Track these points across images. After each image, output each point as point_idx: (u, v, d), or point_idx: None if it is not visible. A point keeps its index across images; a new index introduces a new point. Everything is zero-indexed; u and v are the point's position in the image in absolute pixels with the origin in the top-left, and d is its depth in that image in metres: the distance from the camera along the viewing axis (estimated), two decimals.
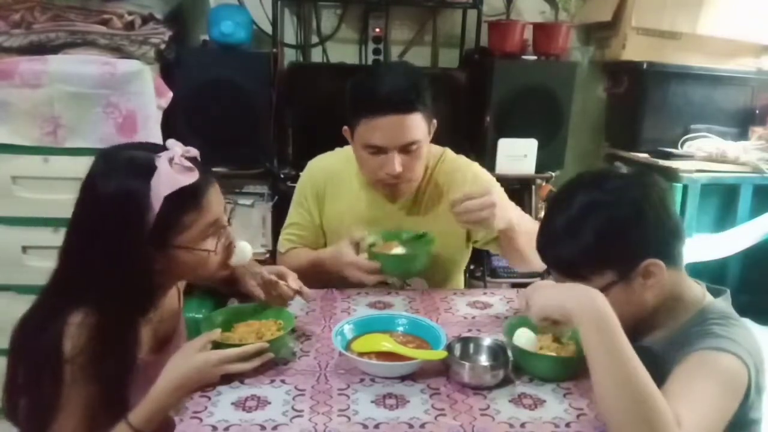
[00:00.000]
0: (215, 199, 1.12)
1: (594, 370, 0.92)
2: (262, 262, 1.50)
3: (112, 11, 2.15)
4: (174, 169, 1.04)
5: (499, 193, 1.62)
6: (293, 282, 1.29)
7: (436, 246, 1.51)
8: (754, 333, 1.05)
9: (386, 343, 1.17)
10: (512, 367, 1.13)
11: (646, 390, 0.86)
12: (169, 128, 2.19)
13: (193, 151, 1.11)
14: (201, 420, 0.98)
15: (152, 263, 1.06)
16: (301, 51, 2.79)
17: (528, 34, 2.60)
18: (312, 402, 1.03)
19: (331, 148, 1.72)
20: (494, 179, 1.68)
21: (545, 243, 1.12)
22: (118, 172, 1.04)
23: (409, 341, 1.21)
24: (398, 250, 1.46)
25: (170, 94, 2.22)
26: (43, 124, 2.08)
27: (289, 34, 2.77)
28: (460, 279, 1.78)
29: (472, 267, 2.62)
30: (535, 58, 2.58)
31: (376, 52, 2.71)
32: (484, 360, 1.16)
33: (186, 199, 1.05)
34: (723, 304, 1.10)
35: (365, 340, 1.19)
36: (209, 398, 1.04)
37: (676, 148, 2.63)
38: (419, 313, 1.39)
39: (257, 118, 2.37)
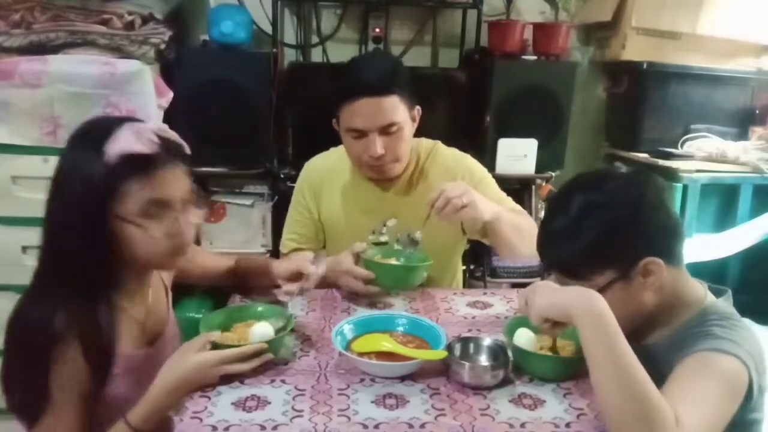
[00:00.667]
0: (171, 180, 1.06)
1: (593, 370, 0.93)
2: None
3: (112, 11, 2.15)
4: (135, 136, 1.02)
5: (490, 183, 1.67)
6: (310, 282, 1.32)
7: (431, 240, 1.52)
8: (755, 333, 1.05)
9: (386, 343, 1.17)
10: (512, 367, 1.13)
11: (644, 389, 0.87)
12: (169, 128, 2.18)
13: (171, 133, 1.10)
14: (201, 420, 0.98)
15: (100, 232, 1.03)
16: (301, 51, 2.79)
17: (528, 34, 2.60)
18: (312, 402, 1.03)
19: (332, 147, 1.74)
20: (486, 170, 1.71)
21: (545, 244, 1.13)
22: (87, 136, 1.06)
23: (409, 341, 1.21)
24: (396, 263, 1.46)
25: (171, 94, 2.22)
26: (42, 124, 2.08)
27: (289, 34, 2.77)
28: (458, 270, 1.79)
29: (472, 267, 2.62)
30: (535, 58, 2.58)
31: None
32: (484, 360, 1.16)
33: (136, 166, 1.02)
34: (724, 304, 1.10)
35: (365, 340, 1.19)
36: (209, 398, 1.04)
37: (676, 148, 2.63)
38: (419, 313, 1.39)
39: (257, 118, 2.37)
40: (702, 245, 2.40)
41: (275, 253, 2.14)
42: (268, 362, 1.12)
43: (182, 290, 2.34)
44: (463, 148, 1.75)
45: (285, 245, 1.72)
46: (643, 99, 2.66)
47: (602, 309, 0.94)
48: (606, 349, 0.91)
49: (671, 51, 2.63)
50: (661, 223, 1.05)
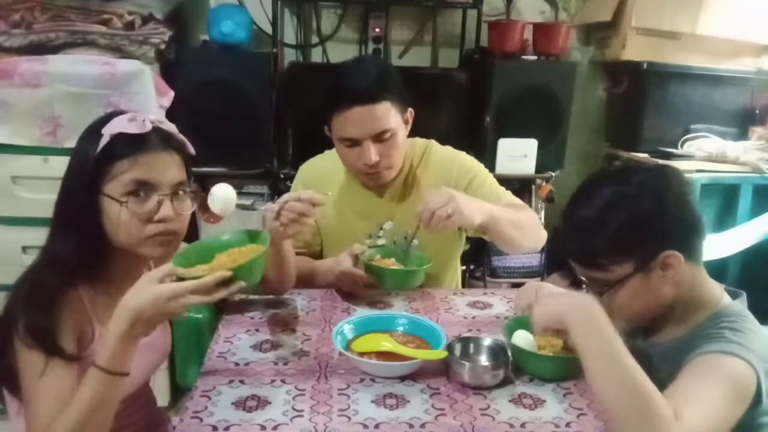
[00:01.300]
0: (160, 164, 1.08)
1: (588, 372, 0.93)
2: None
3: (112, 11, 2.15)
4: (127, 119, 1.06)
5: (486, 179, 1.65)
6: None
7: (428, 241, 1.52)
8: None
9: (386, 343, 1.17)
10: (512, 367, 1.13)
11: (640, 384, 0.87)
12: None
13: (169, 125, 1.13)
14: (201, 420, 0.98)
15: (87, 208, 1.06)
16: (301, 51, 2.79)
17: (528, 34, 2.60)
18: (312, 402, 1.03)
19: (331, 148, 1.73)
20: (481, 166, 1.69)
21: (568, 234, 1.12)
22: (91, 128, 1.10)
23: (409, 341, 1.21)
24: (395, 263, 1.46)
25: (171, 94, 2.23)
26: (43, 124, 2.08)
27: (289, 34, 2.77)
28: (457, 270, 1.79)
29: (472, 267, 2.62)
30: (535, 58, 2.58)
31: (376, 52, 2.71)
32: (484, 360, 1.16)
33: (125, 147, 1.06)
34: (739, 306, 1.09)
35: (365, 340, 1.19)
36: (209, 398, 1.04)
37: (676, 148, 2.63)
38: (419, 313, 1.39)
39: (257, 118, 2.37)
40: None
41: None
42: (268, 362, 1.12)
43: None
44: (463, 148, 1.75)
45: None
46: (643, 99, 2.66)
47: (594, 311, 0.95)
48: (598, 347, 0.92)
49: (671, 51, 2.63)
50: (683, 218, 1.05)
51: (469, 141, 2.49)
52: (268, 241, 1.12)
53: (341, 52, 2.79)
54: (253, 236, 1.18)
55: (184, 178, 1.14)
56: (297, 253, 1.67)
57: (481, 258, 2.59)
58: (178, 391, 2.18)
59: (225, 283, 0.99)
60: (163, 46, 2.19)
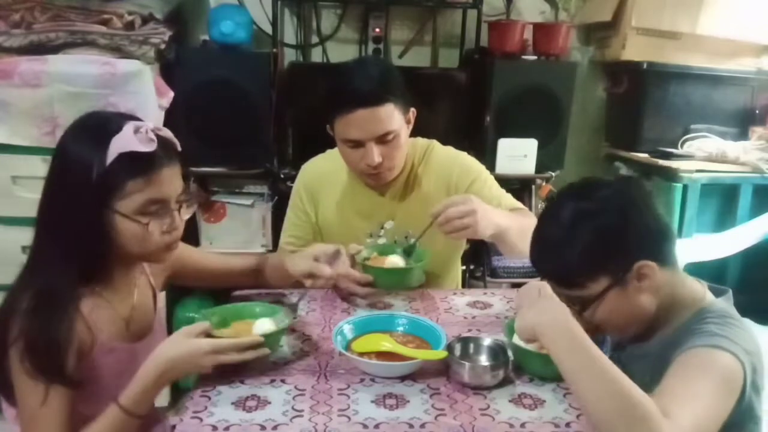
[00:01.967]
0: (169, 180, 1.10)
1: (569, 381, 0.94)
2: None
3: (112, 11, 2.15)
4: (136, 136, 1.05)
5: (487, 180, 1.65)
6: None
7: (430, 242, 1.52)
8: (754, 333, 1.05)
9: (386, 343, 1.17)
10: (512, 367, 1.13)
11: (620, 386, 0.87)
12: (168, 128, 2.18)
13: (167, 132, 1.12)
14: (201, 420, 0.98)
15: (94, 222, 1.05)
16: (301, 51, 2.79)
17: (528, 34, 2.60)
18: (312, 402, 1.03)
19: (331, 148, 1.73)
20: (483, 167, 1.70)
21: (538, 255, 1.14)
22: (87, 131, 1.08)
23: (409, 341, 1.21)
24: (392, 262, 1.45)
25: (171, 94, 2.22)
26: (42, 124, 2.08)
27: (289, 34, 2.77)
28: (457, 271, 1.79)
29: (472, 267, 2.62)
30: (535, 58, 2.58)
31: (376, 52, 2.71)
32: (484, 360, 1.16)
33: (136, 166, 1.05)
34: (724, 303, 1.10)
35: (365, 340, 1.19)
36: (209, 398, 1.04)
37: (676, 148, 2.63)
38: (419, 313, 1.39)
39: (257, 118, 2.37)
40: (702, 245, 2.40)
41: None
42: (266, 361, 1.12)
43: (182, 290, 2.36)
44: (464, 148, 1.75)
45: (282, 249, 1.72)
46: (643, 99, 2.66)
47: (563, 319, 0.96)
48: (573, 356, 0.92)
49: (671, 51, 2.63)
50: (650, 227, 1.06)
51: (469, 141, 2.49)
52: (290, 322, 1.20)
53: (341, 52, 2.79)
54: (277, 312, 1.24)
55: (183, 185, 1.15)
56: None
57: (481, 258, 2.59)
58: (178, 391, 2.18)
59: (252, 346, 1.08)
60: (163, 46, 2.18)
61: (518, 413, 1.02)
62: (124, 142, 1.03)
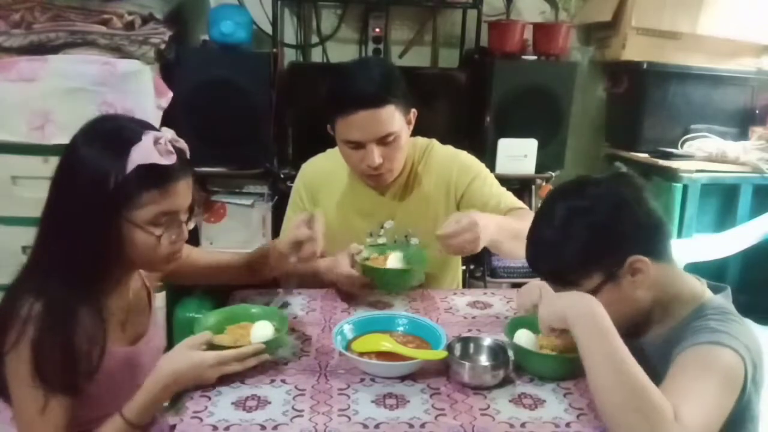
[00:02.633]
0: (183, 192, 1.10)
1: (589, 370, 0.94)
2: None
3: (112, 11, 2.15)
4: (156, 147, 1.04)
5: (486, 178, 1.65)
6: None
7: (429, 243, 1.52)
8: (752, 328, 1.05)
9: (386, 343, 1.17)
10: (512, 366, 1.13)
11: (641, 385, 0.88)
12: (169, 128, 2.18)
13: (183, 143, 1.12)
14: (201, 420, 0.98)
15: (104, 230, 1.05)
16: (301, 51, 2.79)
17: (528, 34, 2.60)
18: (312, 402, 1.03)
19: (331, 147, 1.73)
20: (482, 165, 1.70)
21: (533, 255, 1.15)
22: (104, 137, 1.07)
23: (409, 341, 1.21)
24: (393, 262, 1.45)
25: (170, 94, 2.22)
26: (32, 119, 2.06)
27: (289, 34, 2.77)
28: (457, 271, 1.79)
29: (472, 267, 2.62)
30: (535, 58, 2.58)
31: (376, 52, 2.71)
32: (484, 360, 1.16)
33: (153, 177, 1.05)
34: (722, 300, 1.11)
35: (365, 340, 1.19)
36: (209, 398, 1.04)
37: (676, 148, 2.63)
38: (419, 313, 1.39)
39: (257, 118, 2.37)
40: (702, 245, 2.40)
41: None
42: (267, 363, 1.12)
43: (182, 290, 2.36)
44: (464, 148, 1.75)
45: None
46: (643, 99, 2.66)
47: (595, 309, 0.97)
48: (600, 347, 0.94)
49: (671, 51, 2.63)
50: (642, 222, 1.07)
51: (469, 141, 2.49)
52: (287, 323, 1.21)
53: (341, 52, 2.79)
54: (272, 314, 1.25)
55: (192, 196, 1.16)
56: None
57: (481, 258, 2.59)
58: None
59: (253, 354, 1.09)
60: (163, 46, 2.18)
61: (518, 413, 1.02)
62: (145, 153, 1.03)
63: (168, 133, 1.09)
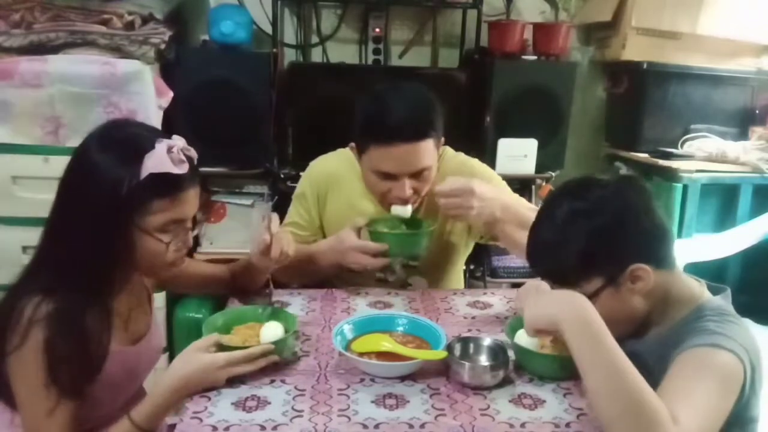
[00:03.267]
0: (191, 200, 1.13)
1: (584, 374, 0.93)
2: None
3: (112, 11, 2.15)
4: (169, 155, 1.06)
5: (499, 186, 1.63)
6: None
7: (437, 245, 1.51)
8: (753, 332, 1.05)
9: (386, 343, 1.17)
10: (512, 367, 1.13)
11: (636, 388, 0.87)
12: (168, 128, 2.18)
13: (193, 152, 1.14)
14: (201, 420, 0.98)
15: (114, 235, 1.06)
16: (301, 51, 2.79)
17: (528, 34, 2.59)
18: (312, 402, 1.03)
19: (332, 148, 1.72)
20: (495, 173, 1.68)
21: (534, 254, 1.14)
22: (117, 144, 1.08)
23: (409, 341, 1.21)
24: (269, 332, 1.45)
25: (170, 94, 2.22)
26: (44, 124, 2.08)
27: (289, 34, 2.77)
28: (460, 277, 1.78)
29: (472, 267, 2.62)
30: (535, 58, 2.58)
31: (376, 52, 2.71)
32: (484, 360, 1.16)
33: (165, 186, 1.07)
34: (721, 301, 1.10)
35: (365, 340, 1.19)
36: (209, 398, 1.04)
37: (676, 148, 2.63)
38: (419, 313, 1.39)
39: (257, 118, 2.37)
40: (702, 245, 2.40)
41: None
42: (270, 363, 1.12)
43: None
44: (464, 148, 1.75)
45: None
46: (643, 99, 2.65)
47: (586, 311, 0.95)
48: (592, 349, 0.92)
49: (671, 51, 2.63)
50: (647, 230, 1.05)
51: (469, 141, 2.49)
52: (296, 323, 1.21)
53: (341, 52, 2.79)
54: (279, 314, 1.25)
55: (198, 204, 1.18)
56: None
57: (481, 258, 2.59)
58: None
59: (262, 354, 1.10)
60: (163, 46, 2.18)
61: (518, 413, 1.02)
62: (159, 162, 1.04)
63: (180, 142, 1.11)
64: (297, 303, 1.44)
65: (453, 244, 1.65)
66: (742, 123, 2.74)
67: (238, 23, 2.32)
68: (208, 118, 2.30)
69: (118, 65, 2.08)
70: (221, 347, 1.10)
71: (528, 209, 1.50)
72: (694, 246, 2.38)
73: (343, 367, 1.14)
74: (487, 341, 1.18)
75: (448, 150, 1.68)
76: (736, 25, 2.58)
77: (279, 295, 1.48)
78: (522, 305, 1.26)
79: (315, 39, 2.80)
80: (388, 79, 2.22)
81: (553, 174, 2.59)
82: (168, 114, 2.22)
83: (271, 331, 1.15)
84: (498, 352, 1.14)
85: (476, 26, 2.62)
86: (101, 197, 1.04)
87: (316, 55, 2.81)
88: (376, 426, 0.97)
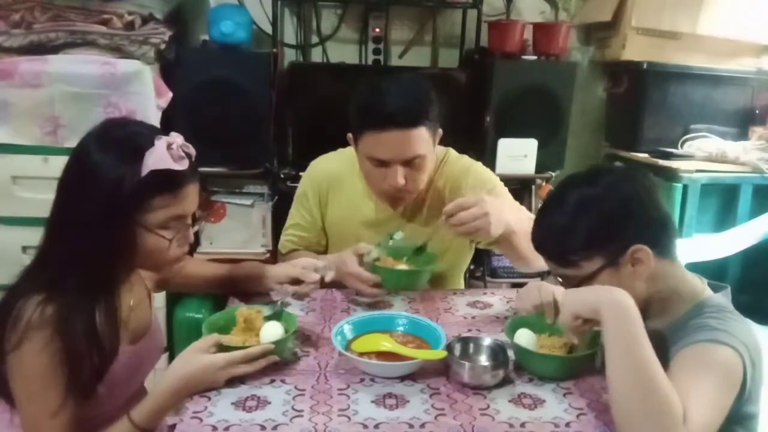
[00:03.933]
0: (192, 196, 1.13)
1: (610, 360, 0.95)
2: (263, 262, 1.51)
3: (112, 11, 2.15)
4: (169, 152, 1.06)
5: (501, 192, 1.62)
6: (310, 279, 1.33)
7: (439, 251, 1.51)
8: (750, 326, 1.06)
9: (386, 343, 1.17)
10: (512, 366, 1.13)
11: (657, 380, 0.89)
12: (168, 128, 2.15)
13: (192, 148, 1.14)
14: (201, 420, 0.98)
15: (115, 233, 1.06)
16: (301, 51, 2.79)
17: (528, 34, 2.60)
18: (312, 402, 1.03)
19: (332, 148, 1.72)
20: (497, 178, 1.68)
21: (540, 235, 1.16)
22: (116, 143, 1.07)
23: (409, 341, 1.21)
24: (402, 267, 1.45)
25: (170, 95, 2.22)
26: (44, 124, 2.08)
27: (289, 34, 2.77)
28: (460, 281, 1.78)
29: (472, 267, 2.62)
30: (535, 58, 2.58)
31: (376, 52, 2.71)
32: (484, 360, 1.16)
33: (166, 183, 1.07)
34: (722, 299, 1.11)
35: (365, 340, 1.19)
36: (209, 398, 1.04)
37: (676, 148, 2.63)
38: (419, 313, 1.39)
39: (257, 118, 2.37)
40: (702, 245, 2.40)
41: (275, 253, 2.14)
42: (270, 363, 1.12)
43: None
44: (464, 148, 1.74)
45: (284, 245, 1.70)
46: (643, 99, 2.65)
47: (627, 303, 0.98)
48: (623, 334, 0.95)
49: (671, 51, 2.63)
50: (650, 214, 1.09)
51: (469, 141, 2.49)
52: (296, 323, 1.21)
53: (341, 52, 2.79)
54: (280, 314, 1.25)
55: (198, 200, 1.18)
56: (297, 250, 1.67)
57: (481, 258, 2.59)
58: None
59: (262, 354, 1.10)
60: (163, 46, 2.18)
61: (518, 413, 1.02)
62: (159, 159, 1.04)
63: (178, 138, 1.10)
64: (297, 303, 1.44)
65: (456, 254, 1.65)
66: (742, 123, 2.74)
67: (238, 23, 2.32)
68: (208, 118, 2.30)
69: (118, 65, 2.08)
70: (221, 347, 1.10)
71: (529, 219, 1.50)
72: (694, 246, 2.38)
73: (343, 367, 1.14)
74: (487, 341, 1.18)
75: (452, 152, 1.67)
76: (736, 25, 2.58)
77: (279, 295, 1.48)
78: (526, 306, 1.26)
79: (315, 39, 2.80)
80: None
81: (553, 174, 2.59)
82: (168, 114, 2.23)
83: (271, 331, 1.15)
84: (498, 352, 1.14)
85: (476, 26, 2.62)
86: (102, 196, 1.04)
87: (316, 55, 2.81)
88: (376, 426, 0.97)
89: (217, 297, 1.49)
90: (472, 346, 1.18)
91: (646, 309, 1.11)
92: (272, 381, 1.09)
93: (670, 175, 2.44)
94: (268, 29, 2.64)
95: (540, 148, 2.53)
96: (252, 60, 2.40)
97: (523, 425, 0.99)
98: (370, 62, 2.71)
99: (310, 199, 1.66)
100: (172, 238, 1.10)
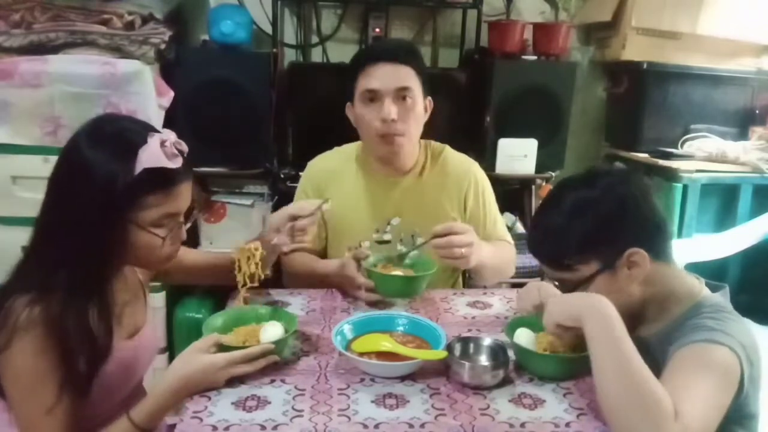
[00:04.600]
0: (185, 194, 1.12)
1: (594, 361, 0.95)
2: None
3: (112, 11, 2.15)
4: (162, 150, 1.05)
5: (489, 198, 1.71)
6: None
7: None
8: (752, 330, 1.06)
9: (386, 343, 1.17)
10: (512, 366, 1.13)
11: (642, 378, 0.89)
12: (169, 128, 2.17)
13: (184, 145, 1.12)
14: (201, 420, 0.98)
15: (108, 231, 1.05)
16: (301, 51, 2.79)
17: (528, 34, 2.60)
18: (312, 402, 1.03)
19: (331, 148, 1.74)
20: (489, 183, 1.74)
21: (536, 239, 1.16)
22: (108, 140, 1.06)
23: (409, 341, 1.21)
24: (398, 272, 1.45)
25: (171, 94, 2.22)
26: (44, 124, 2.08)
27: (289, 34, 2.77)
28: (458, 279, 1.78)
29: None
30: (535, 58, 2.58)
31: None
32: (484, 360, 1.16)
33: (159, 181, 1.06)
34: (720, 298, 1.12)
35: (365, 340, 1.19)
36: (209, 398, 1.04)
37: (676, 148, 2.63)
38: (419, 313, 1.39)
39: (257, 118, 2.37)
40: (702, 245, 2.40)
41: None
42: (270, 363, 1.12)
43: (182, 290, 2.36)
44: (464, 148, 1.76)
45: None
46: (643, 99, 2.66)
47: (608, 309, 0.98)
48: (606, 338, 0.95)
49: (671, 51, 2.63)
50: (646, 217, 1.09)
51: (470, 141, 2.49)
52: (296, 323, 1.21)
53: (341, 52, 2.79)
54: (280, 315, 1.25)
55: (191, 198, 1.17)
56: (301, 250, 1.67)
57: None
58: None
59: (262, 354, 1.10)
60: (163, 46, 2.18)
61: (518, 413, 1.02)
62: (153, 156, 1.03)
63: (171, 135, 1.09)
64: (297, 303, 1.44)
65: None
66: (742, 123, 2.74)
67: (238, 23, 2.33)
68: (208, 118, 2.30)
69: (118, 65, 2.08)
70: (221, 347, 1.09)
71: (500, 246, 1.66)
72: (694, 246, 2.38)
73: (343, 367, 1.14)
74: (487, 341, 1.18)
75: (449, 149, 1.73)
76: (736, 25, 2.59)
77: (279, 295, 1.48)
78: (527, 306, 1.26)
79: (315, 39, 2.80)
80: None
81: (553, 174, 2.59)
82: (168, 114, 2.23)
83: (271, 331, 1.15)
84: (498, 352, 1.14)
85: (476, 26, 2.62)
86: (95, 194, 1.03)
87: (316, 55, 2.81)
88: (376, 426, 0.97)
89: (217, 297, 1.49)
90: (472, 346, 1.18)
91: (642, 311, 1.12)
92: (272, 381, 1.09)
93: (670, 175, 2.44)
94: (268, 29, 2.64)
95: (540, 148, 2.53)
96: (252, 60, 2.40)
97: (523, 425, 0.99)
98: None
99: (310, 194, 1.69)
100: (165, 236, 1.10)
